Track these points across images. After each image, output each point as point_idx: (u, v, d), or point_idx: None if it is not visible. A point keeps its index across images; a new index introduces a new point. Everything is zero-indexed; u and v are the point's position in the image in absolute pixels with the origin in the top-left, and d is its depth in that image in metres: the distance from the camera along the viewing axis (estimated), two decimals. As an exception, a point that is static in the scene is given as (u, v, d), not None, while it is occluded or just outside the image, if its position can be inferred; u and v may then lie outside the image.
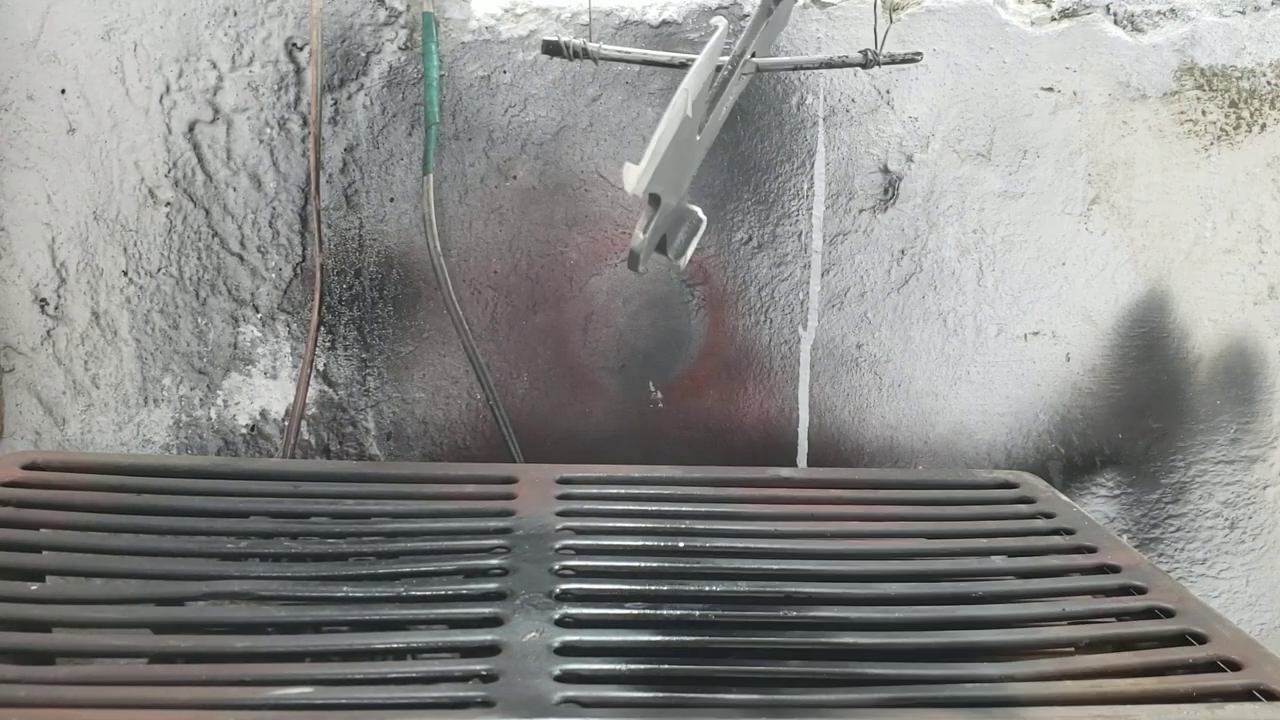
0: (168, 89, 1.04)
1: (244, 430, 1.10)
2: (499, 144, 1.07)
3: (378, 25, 1.05)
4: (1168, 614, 0.71)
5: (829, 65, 1.02)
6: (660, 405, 1.12)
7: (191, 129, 1.05)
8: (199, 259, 1.07)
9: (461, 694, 0.58)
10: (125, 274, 1.07)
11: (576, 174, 1.08)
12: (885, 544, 0.82)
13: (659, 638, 0.66)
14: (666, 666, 0.63)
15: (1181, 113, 1.11)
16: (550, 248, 1.09)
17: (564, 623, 0.66)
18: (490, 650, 0.63)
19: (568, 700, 0.58)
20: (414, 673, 0.61)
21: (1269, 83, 1.11)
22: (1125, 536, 1.16)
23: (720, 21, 0.67)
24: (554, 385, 1.11)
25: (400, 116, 1.06)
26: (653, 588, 0.72)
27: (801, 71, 1.06)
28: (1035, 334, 1.14)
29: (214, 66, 1.04)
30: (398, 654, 0.64)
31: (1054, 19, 1.09)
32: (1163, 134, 1.11)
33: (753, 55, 0.73)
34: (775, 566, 0.76)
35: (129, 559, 0.74)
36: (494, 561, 0.74)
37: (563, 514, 0.83)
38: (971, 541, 0.83)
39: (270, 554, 0.76)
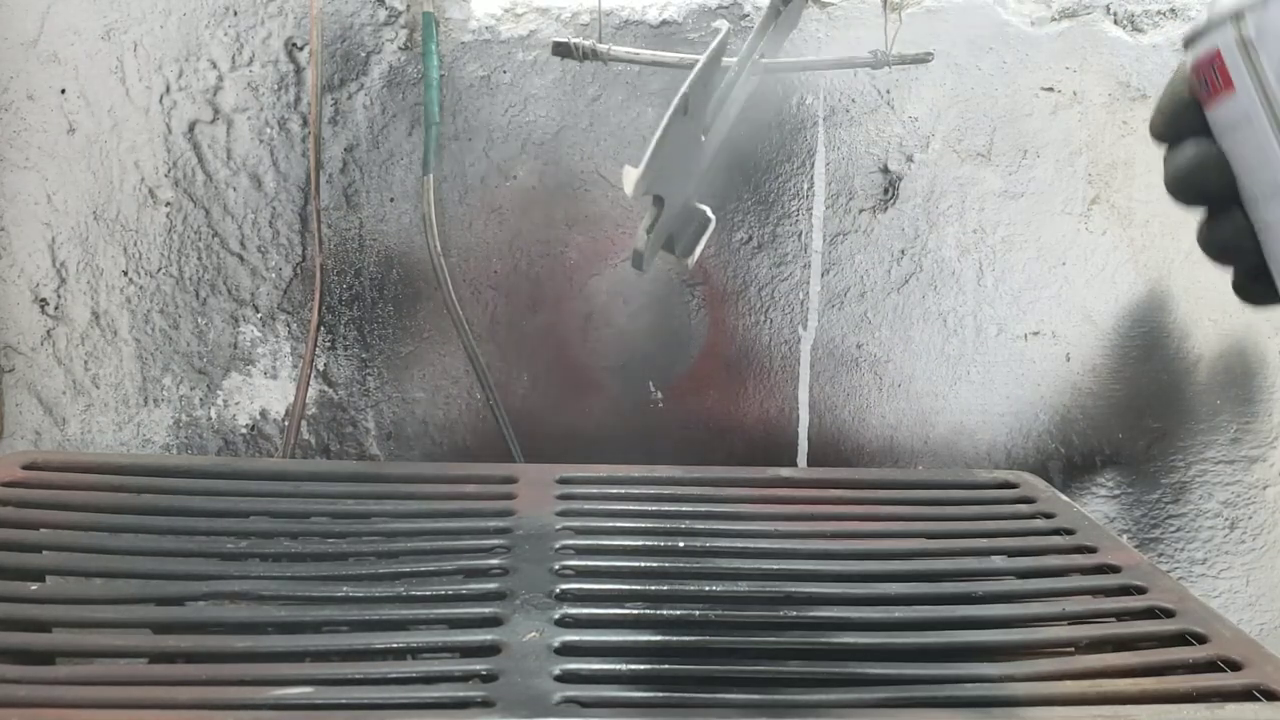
0: (168, 89, 1.04)
1: (244, 430, 1.10)
2: (499, 144, 1.07)
3: (378, 25, 1.05)
4: (1168, 614, 0.71)
5: (839, 66, 1.02)
6: (660, 405, 1.12)
7: (191, 129, 1.05)
8: (199, 259, 1.07)
9: (461, 694, 0.58)
10: (125, 274, 1.07)
11: (576, 174, 1.08)
12: (885, 544, 0.82)
13: (659, 638, 0.66)
14: (666, 666, 0.63)
15: (1181, 113, 1.11)
16: (550, 248, 1.09)
17: (564, 623, 0.66)
18: (490, 650, 0.63)
19: (568, 700, 0.58)
20: (414, 673, 0.61)
21: (1269, 83, 1.11)
22: (1125, 536, 1.16)
23: (723, 24, 0.67)
24: (554, 385, 1.11)
25: (400, 116, 1.06)
26: (653, 588, 0.72)
27: (801, 72, 1.06)
28: (1035, 334, 1.14)
29: (214, 66, 1.04)
30: (398, 654, 0.64)
31: (1054, 19, 1.09)
32: (1163, 134, 1.11)
33: (761, 56, 0.73)
34: (775, 566, 0.76)
35: (129, 559, 0.74)
36: (494, 561, 0.74)
37: (563, 514, 0.83)
38: (971, 541, 0.83)
39: (270, 554, 0.76)
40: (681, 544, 0.79)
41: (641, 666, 0.63)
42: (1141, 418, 1.16)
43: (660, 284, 1.11)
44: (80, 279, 1.07)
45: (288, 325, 1.09)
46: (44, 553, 0.76)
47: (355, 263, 1.08)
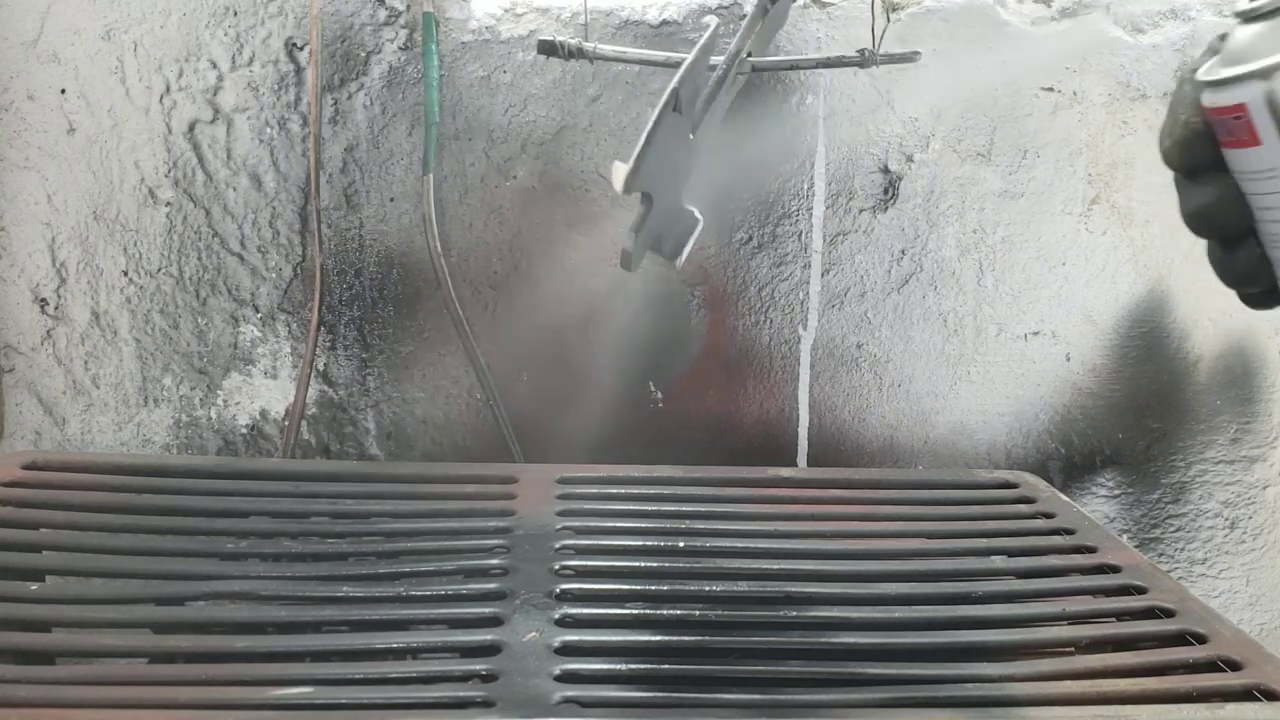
0: (168, 89, 1.04)
1: (244, 430, 1.10)
2: (499, 144, 1.07)
3: (378, 25, 1.05)
4: (1168, 614, 0.71)
5: (826, 65, 1.01)
6: (660, 405, 1.12)
7: (191, 129, 1.05)
8: (199, 259, 1.07)
9: (461, 694, 0.58)
10: (125, 274, 1.07)
11: (576, 174, 1.08)
12: (885, 544, 0.82)
13: (659, 638, 0.66)
14: (666, 666, 0.63)
15: (1181, 113, 1.11)
16: (550, 248, 1.09)
17: (564, 623, 0.66)
18: (490, 650, 0.63)
19: (568, 700, 0.58)
20: (414, 672, 0.61)
21: (1269, 83, 1.11)
22: (1125, 536, 1.16)
23: (712, 20, 0.67)
24: (554, 385, 1.11)
25: (400, 116, 1.06)
26: (653, 588, 0.72)
27: (801, 71, 1.06)
28: (1035, 334, 1.14)
29: (214, 66, 1.04)
30: (398, 654, 0.64)
31: (1054, 19, 1.09)
32: (1163, 134, 1.11)
33: (748, 55, 0.73)
34: (775, 566, 0.76)
35: (129, 559, 0.74)
36: (494, 561, 0.74)
37: (563, 514, 0.83)
38: (971, 541, 0.83)
39: (270, 554, 0.76)
40: (681, 544, 0.79)
41: (641, 666, 0.63)
42: (1141, 418, 1.16)
43: (660, 284, 1.11)
44: (80, 279, 1.07)
45: (288, 325, 1.09)
46: (44, 553, 0.76)
47: (355, 263, 1.08)
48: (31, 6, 1.02)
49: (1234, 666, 0.64)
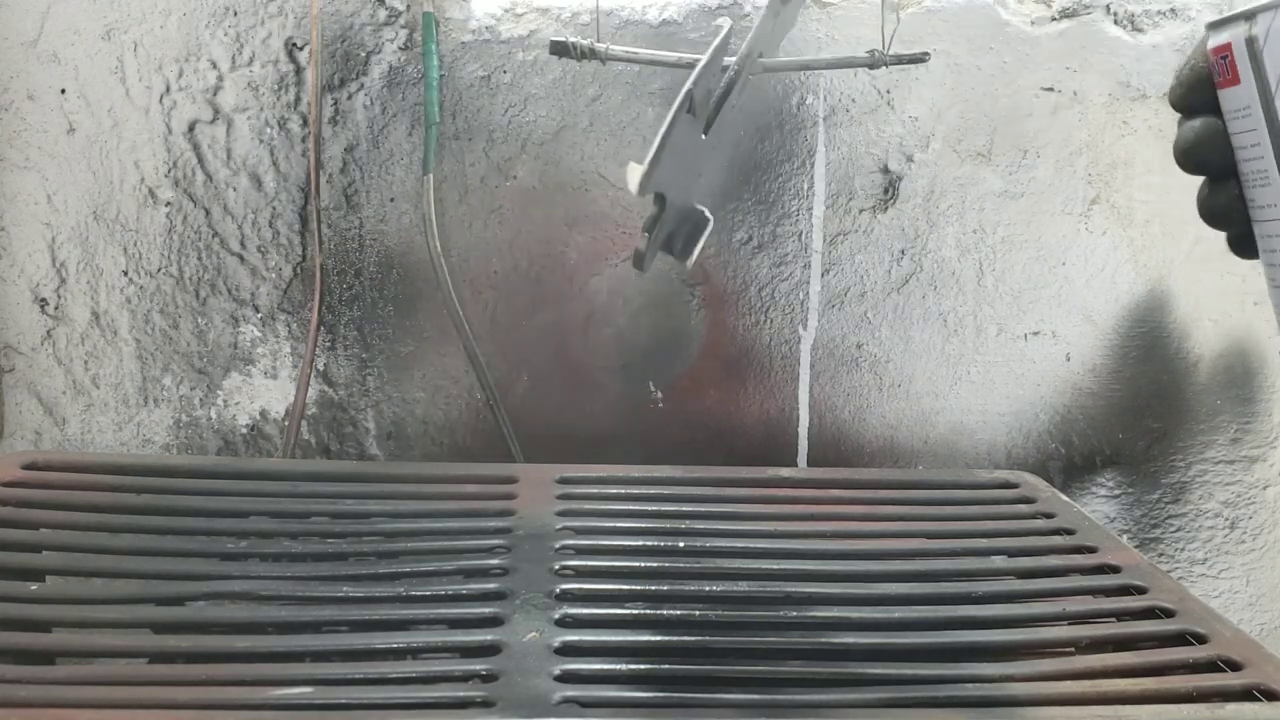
0: (168, 89, 1.04)
1: (244, 430, 1.10)
2: (499, 144, 1.07)
3: (378, 25, 1.05)
4: (1168, 614, 0.70)
5: (836, 65, 1.02)
6: (660, 405, 1.12)
7: (191, 129, 1.05)
8: (199, 259, 1.07)
9: (461, 694, 0.58)
10: (125, 274, 1.07)
11: (577, 174, 1.08)
12: (885, 544, 0.82)
13: (659, 638, 0.66)
14: (666, 666, 0.63)
15: (1181, 113, 1.11)
16: (550, 248, 1.09)
17: (564, 623, 0.66)
18: (490, 650, 0.63)
19: (568, 700, 0.58)
20: (414, 673, 0.61)
21: (1269, 83, 1.11)
22: (1125, 536, 1.16)
23: (725, 21, 0.67)
24: (554, 385, 1.11)
25: (400, 116, 1.06)
26: (653, 588, 0.72)
27: (802, 71, 1.06)
28: (1035, 334, 1.14)
29: (214, 66, 1.04)
30: (398, 654, 0.64)
31: (1054, 19, 1.09)
32: (1163, 134, 1.11)
33: (760, 56, 0.73)
34: (775, 566, 0.76)
35: (129, 559, 0.74)
36: (494, 561, 0.74)
37: (563, 514, 0.83)
38: (971, 541, 0.83)
39: (270, 554, 0.76)
40: (681, 544, 0.79)
41: (641, 666, 0.63)
42: (1141, 418, 1.16)
43: (660, 284, 1.11)
44: (80, 279, 1.07)
45: (288, 325, 1.09)
46: (44, 553, 0.76)
47: (355, 263, 1.08)
48: (31, 6, 1.02)
49: (1234, 666, 0.64)
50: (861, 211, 1.11)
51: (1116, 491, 1.17)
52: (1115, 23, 1.10)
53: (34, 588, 0.70)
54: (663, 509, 0.85)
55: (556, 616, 0.67)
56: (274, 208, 1.07)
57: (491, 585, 0.71)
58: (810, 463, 1.14)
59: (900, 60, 0.96)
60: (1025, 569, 0.79)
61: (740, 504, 0.87)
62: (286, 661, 0.62)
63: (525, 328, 1.10)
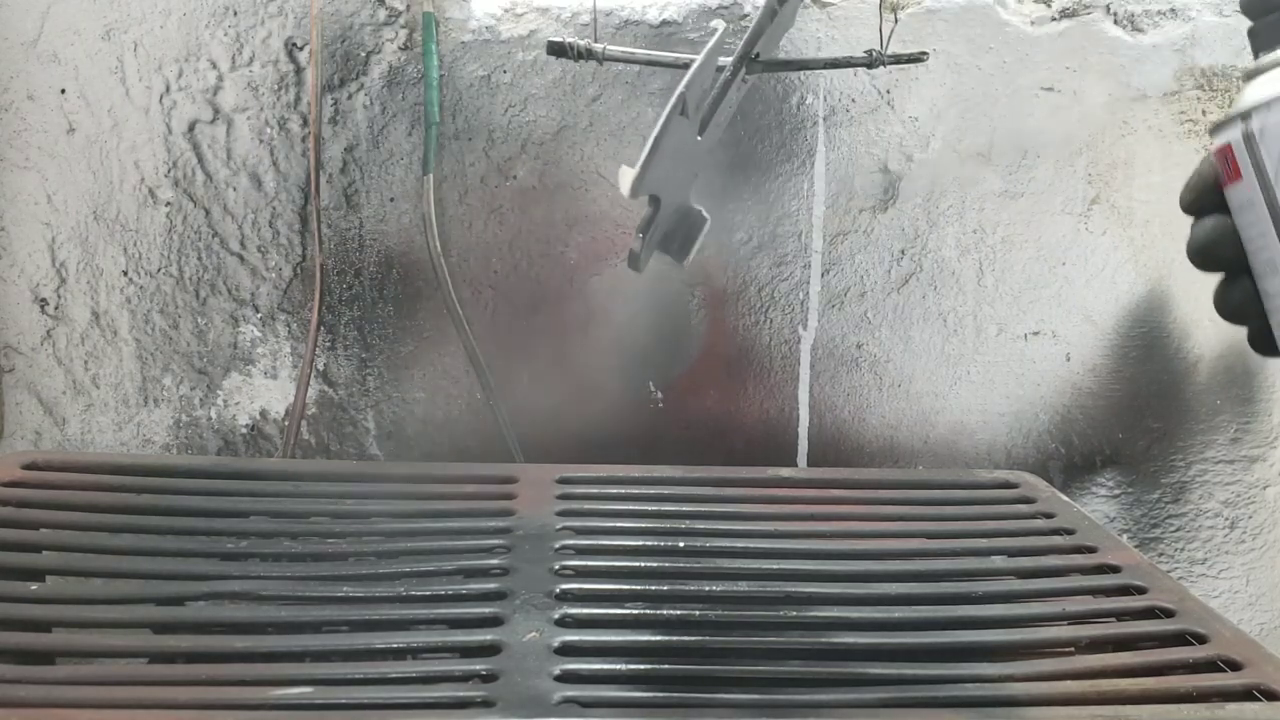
0: (168, 89, 1.04)
1: (244, 430, 1.10)
2: (499, 144, 1.07)
3: (378, 25, 1.05)
4: (1168, 614, 0.70)
5: (834, 65, 1.02)
6: (660, 405, 1.12)
7: (191, 129, 1.05)
8: (199, 259, 1.07)
9: (461, 694, 0.58)
10: (125, 274, 1.07)
11: (576, 174, 1.08)
12: (885, 544, 0.82)
13: (659, 638, 0.66)
14: (666, 666, 0.63)
15: (1182, 113, 1.11)
16: (550, 248, 1.09)
17: (564, 622, 0.66)
18: (490, 650, 0.63)
19: (568, 700, 0.58)
20: (414, 672, 0.61)
21: (1269, 83, 1.11)
22: (1125, 536, 1.16)
23: (719, 23, 0.67)
24: (554, 385, 1.11)
25: (400, 116, 1.06)
26: (653, 587, 0.72)
27: (802, 71, 1.06)
28: (1035, 334, 1.14)
29: (214, 66, 1.04)
30: (398, 654, 0.64)
31: (1054, 19, 1.09)
32: (1163, 134, 1.11)
33: (757, 56, 0.73)
34: (775, 566, 0.76)
35: (129, 559, 0.74)
36: (494, 561, 0.74)
37: (563, 514, 0.83)
38: (971, 541, 0.83)
39: (270, 554, 0.76)
40: (681, 544, 0.79)
41: (641, 666, 0.63)
42: (1141, 418, 1.16)
43: (660, 284, 1.11)
44: (80, 279, 1.07)
45: (288, 325, 1.09)
46: (44, 553, 0.76)
47: (355, 263, 1.08)
48: (31, 6, 1.02)
49: (1234, 666, 0.64)
50: (861, 211, 1.11)
51: (1116, 491, 1.17)
52: (1115, 23, 1.10)
53: (34, 588, 0.70)
54: (663, 509, 0.85)
55: (556, 616, 0.67)
56: (274, 208, 1.07)
57: (491, 585, 0.71)
58: (810, 463, 1.14)
59: (898, 60, 0.96)
60: (1025, 569, 0.79)
61: (740, 504, 0.87)
62: (286, 661, 0.62)
63: (525, 328, 1.10)
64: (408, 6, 1.05)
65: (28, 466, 0.86)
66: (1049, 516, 0.87)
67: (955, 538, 0.83)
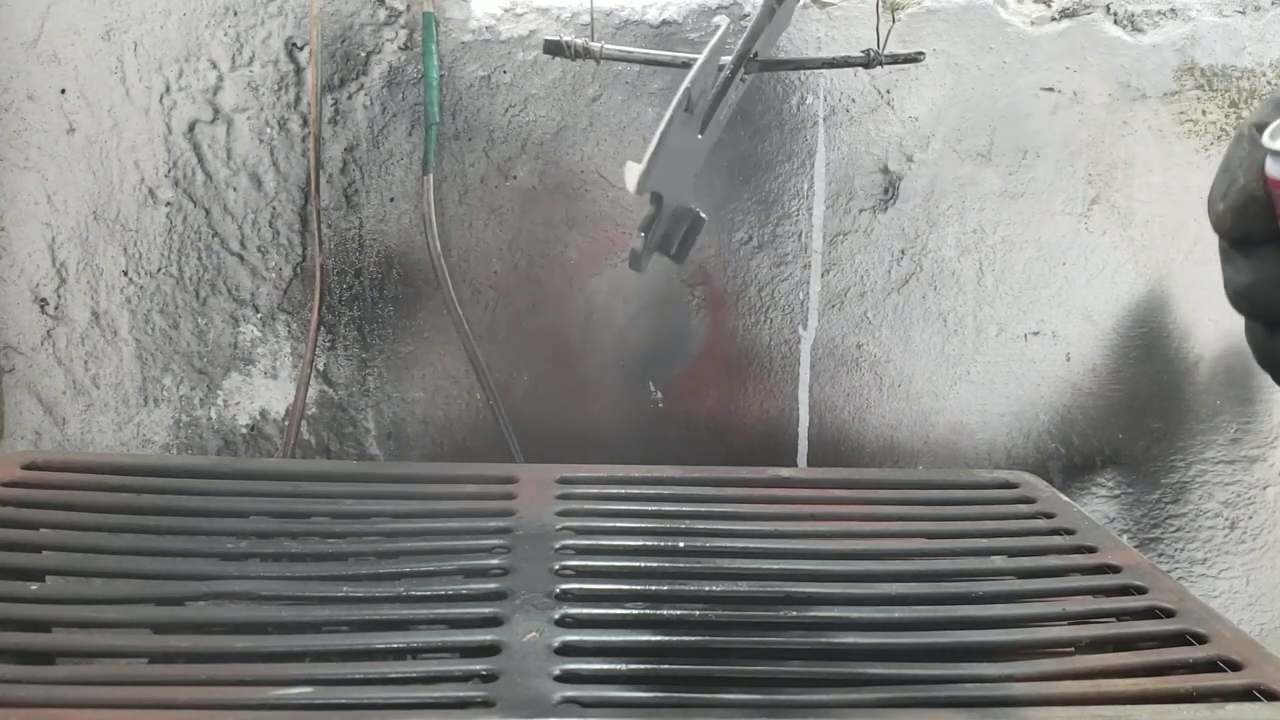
0: (168, 89, 1.04)
1: (244, 430, 1.10)
2: (499, 144, 1.07)
3: (378, 25, 1.05)
4: (1168, 614, 0.71)
5: (831, 65, 1.02)
6: (660, 405, 1.12)
7: (191, 129, 1.05)
8: (199, 259, 1.07)
9: (461, 694, 0.58)
10: (125, 274, 1.07)
11: (576, 174, 1.08)
12: (885, 544, 0.82)
13: (659, 638, 0.66)
14: (666, 666, 0.63)
15: (1182, 113, 1.11)
16: (550, 248, 1.09)
17: (564, 623, 0.66)
18: (490, 650, 0.63)
19: (568, 700, 0.58)
20: (414, 673, 0.61)
21: (1269, 83, 1.11)
22: (1125, 536, 1.16)
23: (723, 20, 0.67)
24: (554, 385, 1.11)
25: (400, 116, 1.06)
26: (653, 588, 0.72)
27: (802, 71, 1.06)
28: (1035, 334, 1.14)
29: (214, 66, 1.04)
30: (398, 654, 0.64)
31: (1054, 19, 1.09)
32: (1163, 134, 1.11)
33: (755, 55, 0.73)
34: (775, 566, 0.76)
35: (129, 559, 0.74)
36: (494, 561, 0.74)
37: (563, 514, 0.83)
38: (971, 541, 0.83)
39: (270, 554, 0.76)
40: (681, 544, 0.79)
41: (641, 666, 0.63)
42: (1141, 418, 1.16)
43: (660, 284, 1.11)
44: (80, 279, 1.07)
45: (288, 325, 1.09)
46: (44, 553, 0.76)
47: (355, 263, 1.08)
48: (31, 6, 1.02)
49: (1234, 666, 0.64)
50: (861, 211, 1.11)
51: (1116, 491, 1.17)
52: (1115, 23, 1.10)
53: (34, 588, 0.70)
54: (663, 509, 0.85)
55: (556, 616, 0.67)
56: (274, 208, 1.07)
57: (491, 585, 0.71)
58: (810, 463, 1.14)
59: (896, 60, 0.96)
60: (1025, 569, 0.79)
61: (740, 504, 0.87)
62: (286, 661, 0.62)
63: (525, 328, 1.10)
64: (408, 6, 1.05)
65: (28, 466, 0.86)
66: (1049, 516, 0.87)
67: (955, 538, 0.83)
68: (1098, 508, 1.17)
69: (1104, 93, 1.10)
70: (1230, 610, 1.19)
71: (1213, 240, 0.50)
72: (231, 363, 1.09)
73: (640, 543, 0.79)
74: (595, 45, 0.93)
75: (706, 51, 0.65)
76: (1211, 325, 1.15)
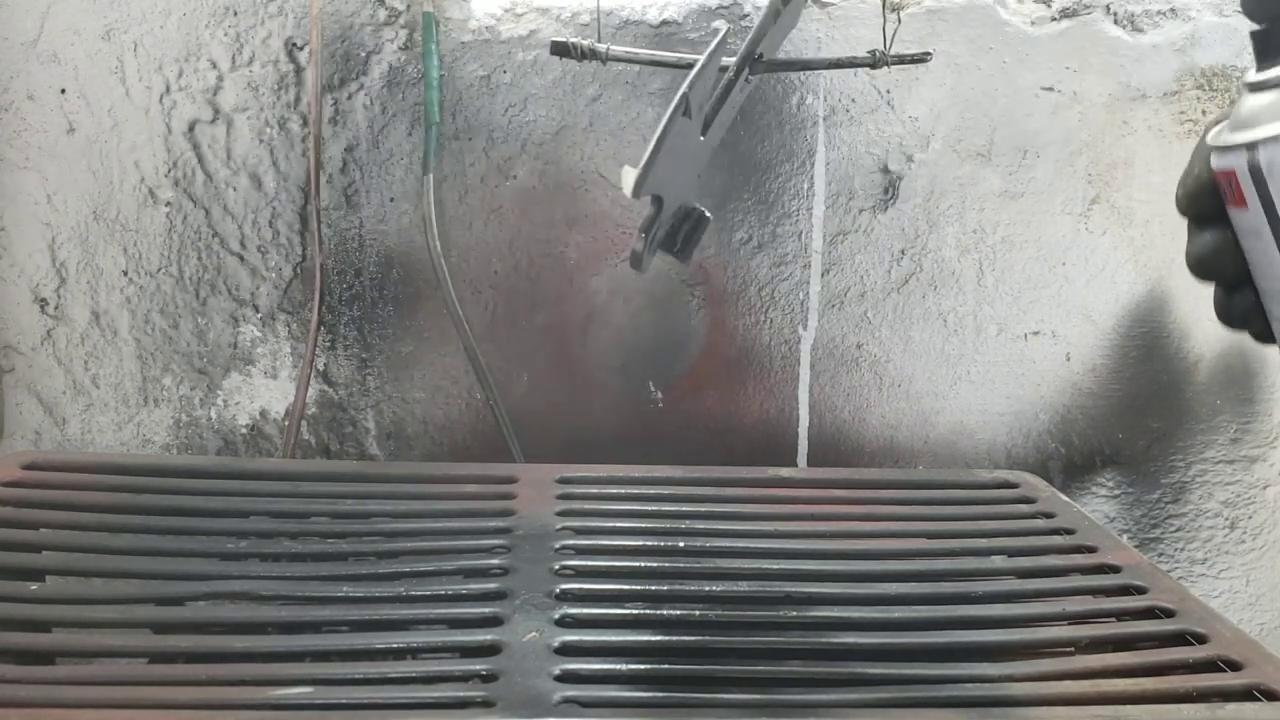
0: (168, 89, 1.04)
1: (244, 430, 1.10)
2: (499, 144, 1.07)
3: (378, 25, 1.05)
4: (1168, 614, 0.71)
5: (837, 65, 1.01)
6: (660, 405, 1.12)
7: (191, 129, 1.05)
8: (199, 259, 1.07)
9: (461, 694, 0.58)
10: (125, 274, 1.07)
11: (576, 174, 1.08)
12: (885, 544, 0.82)
13: (659, 638, 0.66)
14: (666, 666, 0.63)
15: (1182, 113, 1.11)
16: (550, 248, 1.09)
17: (564, 622, 0.66)
18: (490, 650, 0.63)
19: (568, 700, 0.58)
20: (414, 673, 0.61)
21: (1269, 83, 1.11)
22: (1125, 536, 1.16)
23: (722, 24, 0.67)
24: (554, 385, 1.11)
25: (400, 116, 1.06)
26: (653, 587, 0.72)
27: (804, 72, 1.06)
28: (1035, 334, 1.14)
29: (214, 66, 1.04)
30: (398, 654, 0.64)
31: (1054, 19, 1.09)
32: (1163, 134, 1.11)
33: (760, 57, 0.73)
34: (775, 566, 0.76)
35: (129, 559, 0.74)
36: (494, 561, 0.74)
37: (563, 514, 0.83)
38: (971, 541, 0.83)
39: (270, 554, 0.76)
40: (681, 544, 0.79)
41: (641, 666, 0.63)
42: (1141, 418, 1.16)
43: (660, 284, 1.11)
44: (80, 279, 1.07)
45: (288, 325, 1.09)
46: (44, 553, 0.76)
47: (355, 263, 1.08)
48: (31, 6, 1.02)
49: (1234, 666, 0.64)
50: (861, 211, 1.11)
51: (1116, 491, 1.17)
52: (1115, 23, 1.10)
53: (34, 588, 0.70)
54: (663, 509, 0.85)
55: (556, 616, 0.67)
56: (274, 208, 1.07)
57: (491, 585, 0.71)
58: (810, 463, 1.14)
59: (902, 60, 0.96)
60: (1025, 569, 0.79)
61: (740, 504, 0.87)
62: (286, 661, 0.62)
63: (525, 328, 1.10)
64: (408, 6, 1.05)
65: (28, 466, 0.86)
66: (1049, 516, 0.87)
67: (955, 538, 0.83)
68: (1098, 508, 1.17)
69: (1104, 92, 1.10)
70: (1230, 610, 1.19)
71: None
72: (231, 363, 1.09)
73: (640, 543, 0.79)
74: (601, 46, 0.93)
75: (706, 54, 0.65)
76: (1211, 325, 1.14)
